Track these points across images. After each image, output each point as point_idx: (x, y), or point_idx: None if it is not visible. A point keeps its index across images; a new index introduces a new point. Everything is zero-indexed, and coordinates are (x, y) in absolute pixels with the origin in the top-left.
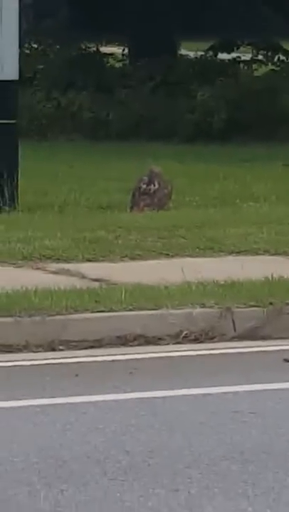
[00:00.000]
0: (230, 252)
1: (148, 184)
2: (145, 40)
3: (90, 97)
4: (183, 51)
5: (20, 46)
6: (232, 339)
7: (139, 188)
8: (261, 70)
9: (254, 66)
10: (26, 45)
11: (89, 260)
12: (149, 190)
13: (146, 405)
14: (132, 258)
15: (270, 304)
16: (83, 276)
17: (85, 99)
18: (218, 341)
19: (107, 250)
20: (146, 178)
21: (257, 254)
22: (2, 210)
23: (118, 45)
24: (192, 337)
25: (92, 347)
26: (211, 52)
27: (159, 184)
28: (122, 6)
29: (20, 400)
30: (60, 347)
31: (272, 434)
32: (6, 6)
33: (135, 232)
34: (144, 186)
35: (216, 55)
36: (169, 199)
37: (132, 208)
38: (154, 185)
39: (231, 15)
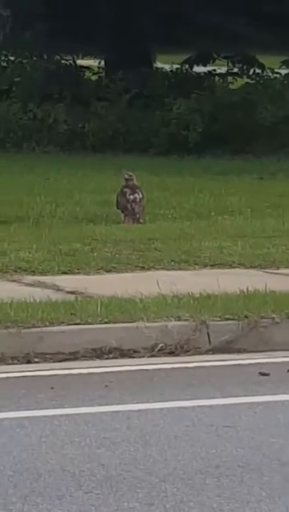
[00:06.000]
0: (206, 265)
1: (132, 193)
2: (121, 53)
3: (66, 110)
4: (159, 64)
5: None
6: (207, 352)
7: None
8: (237, 83)
9: (229, 79)
10: (3, 58)
11: (64, 273)
12: (135, 198)
13: (121, 418)
14: (108, 270)
15: (245, 317)
16: (59, 289)
17: (61, 112)
18: (194, 354)
19: (82, 263)
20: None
21: (232, 267)
22: None
23: (94, 57)
24: (167, 350)
25: (67, 359)
26: (186, 65)
27: (141, 193)
28: (98, 19)
29: None
30: (36, 359)
31: (247, 448)
32: None
33: (110, 244)
34: (131, 196)
35: (191, 68)
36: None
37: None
38: (138, 195)
39: (206, 28)
